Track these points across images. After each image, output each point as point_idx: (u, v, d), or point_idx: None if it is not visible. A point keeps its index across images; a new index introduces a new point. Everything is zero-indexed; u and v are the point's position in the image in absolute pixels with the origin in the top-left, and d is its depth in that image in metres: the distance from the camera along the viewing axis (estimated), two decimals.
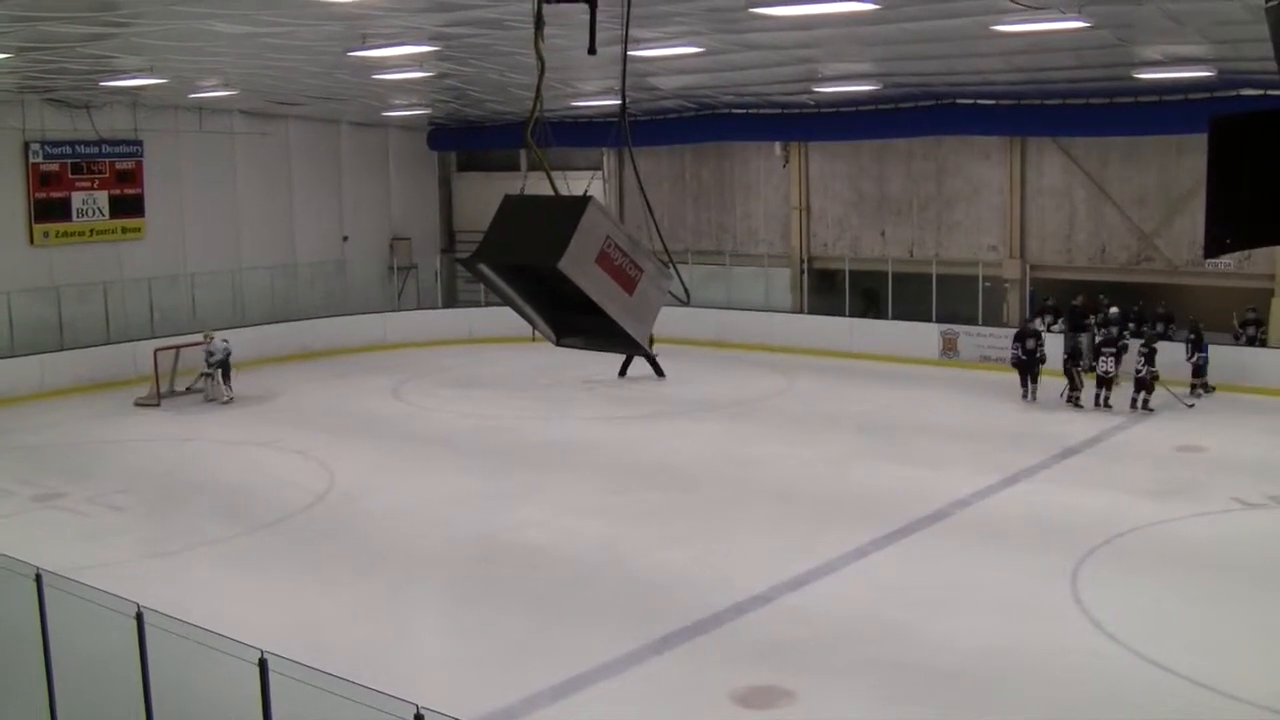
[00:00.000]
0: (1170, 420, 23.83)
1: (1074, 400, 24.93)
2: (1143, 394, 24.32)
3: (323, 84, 27.45)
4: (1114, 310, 28.07)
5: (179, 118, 32.11)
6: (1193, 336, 25.82)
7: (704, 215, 35.84)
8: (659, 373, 28.71)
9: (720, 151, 35.10)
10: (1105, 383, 24.69)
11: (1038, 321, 28.72)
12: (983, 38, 19.49)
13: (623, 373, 28.95)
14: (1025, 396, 25.64)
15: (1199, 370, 25.73)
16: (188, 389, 27.35)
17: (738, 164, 35.15)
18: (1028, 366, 25.65)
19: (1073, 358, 25.23)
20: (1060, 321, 28.89)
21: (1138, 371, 24.42)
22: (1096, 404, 24.61)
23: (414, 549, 16.95)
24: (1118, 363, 24.56)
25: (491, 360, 31.79)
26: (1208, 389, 25.71)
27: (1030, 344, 25.66)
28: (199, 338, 27.65)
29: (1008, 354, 26.57)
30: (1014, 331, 26.69)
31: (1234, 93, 24.19)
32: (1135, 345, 24.99)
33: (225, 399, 27.01)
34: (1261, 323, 26.68)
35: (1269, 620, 13.74)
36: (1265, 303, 27.01)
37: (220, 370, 27.06)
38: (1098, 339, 25.52)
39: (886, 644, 13.06)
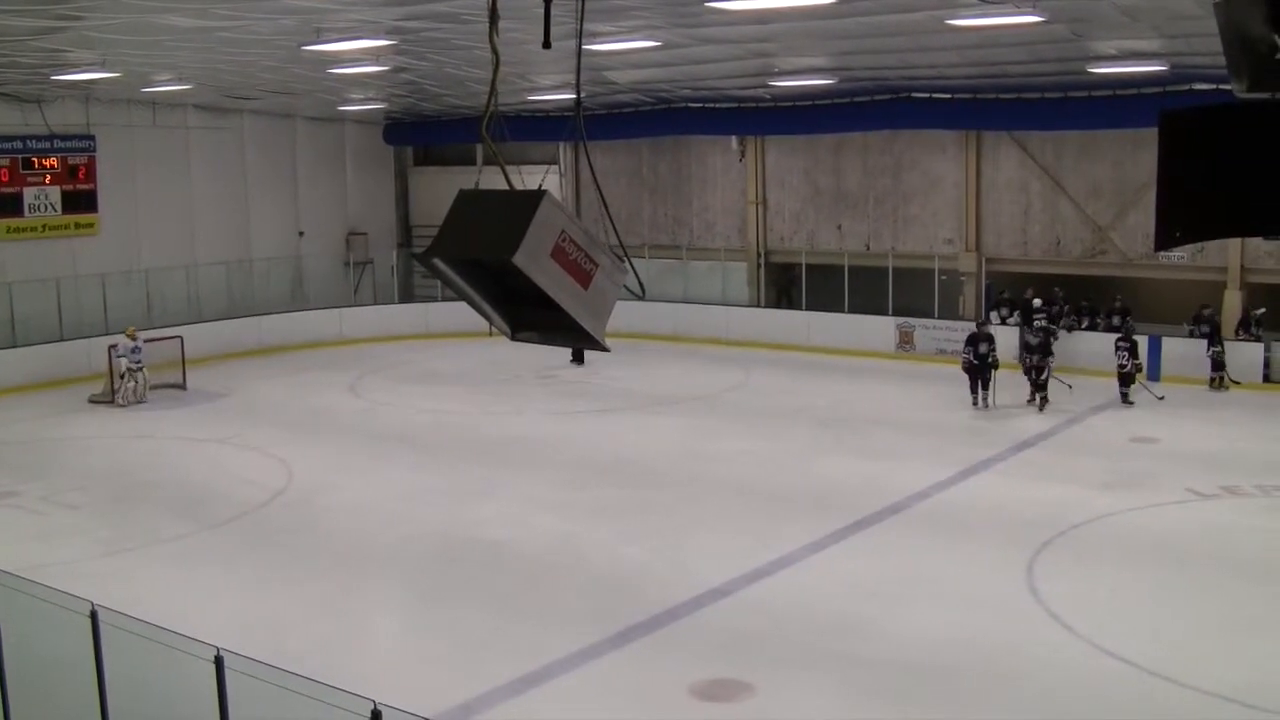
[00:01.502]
0: (1124, 413, 24.05)
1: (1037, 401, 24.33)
2: (1124, 387, 24.54)
3: (278, 78, 27.27)
4: (1036, 301, 28.31)
5: (132, 112, 31.81)
6: (1207, 330, 26.06)
7: (661, 209, 35.87)
8: (579, 359, 29.22)
9: (677, 145, 35.15)
10: (1036, 384, 24.15)
11: (993, 316, 28.90)
12: (938, 32, 19.57)
13: (578, 360, 29.14)
14: (976, 404, 24.41)
15: (1218, 364, 25.77)
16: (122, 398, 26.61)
17: (694, 158, 35.20)
18: (979, 371, 24.37)
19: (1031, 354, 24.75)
20: (1016, 315, 29.06)
21: (1122, 366, 24.58)
22: (1036, 405, 24.16)
23: (372, 545, 16.88)
24: (1043, 357, 24.18)
25: (448, 355, 31.71)
26: (1222, 382, 25.75)
27: (983, 348, 24.35)
28: (121, 337, 27.01)
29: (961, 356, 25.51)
30: (970, 326, 26.44)
31: (1186, 87, 24.38)
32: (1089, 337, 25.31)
33: (144, 399, 26.75)
34: (1215, 317, 26.87)
35: (1223, 610, 13.88)
36: (1218, 296, 27.28)
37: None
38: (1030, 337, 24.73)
39: (845, 636, 13.11)
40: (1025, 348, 24.78)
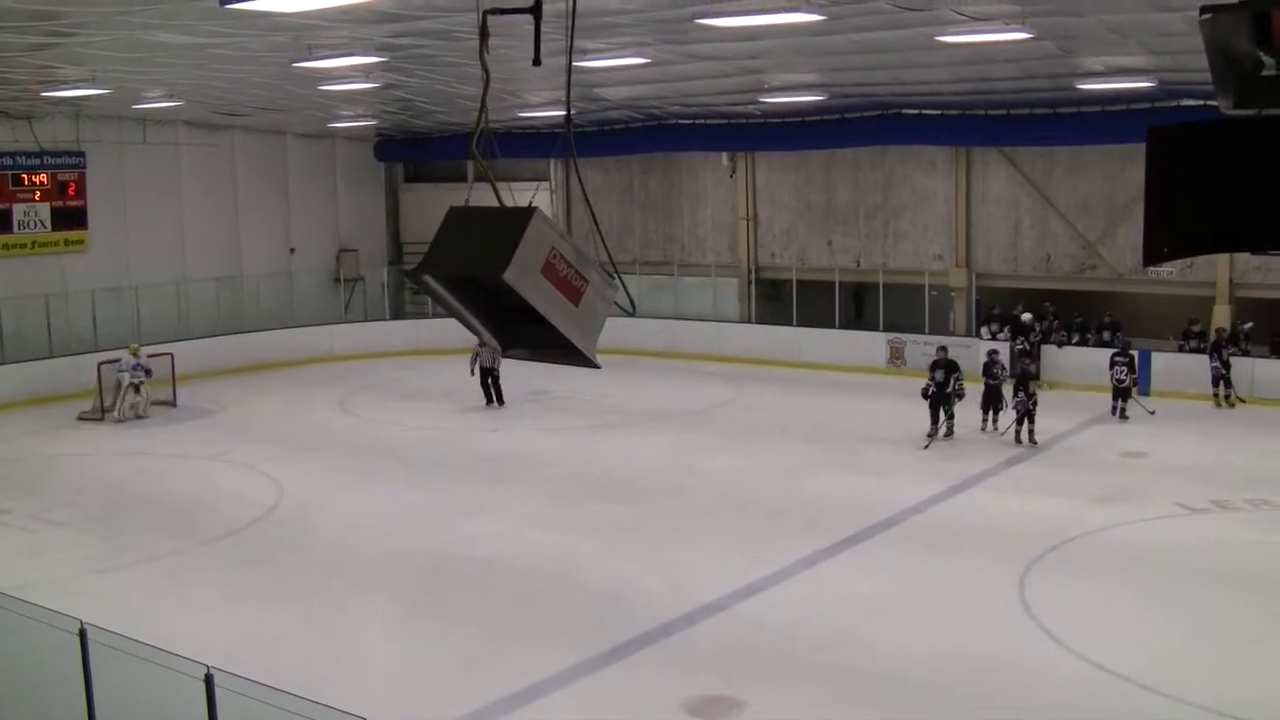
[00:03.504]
0: (1114, 427, 24.08)
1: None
2: (1120, 402, 24.51)
3: (269, 95, 27.29)
4: (1026, 316, 28.36)
5: (123, 129, 31.81)
6: (1202, 345, 26.04)
7: (651, 226, 35.91)
8: (495, 399, 27.37)
9: (667, 162, 35.20)
10: (997, 410, 23.21)
11: (983, 331, 28.93)
12: (928, 48, 19.63)
13: (497, 400, 27.35)
14: (933, 435, 22.81)
15: (1226, 379, 25.63)
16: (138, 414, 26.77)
17: (685, 174, 35.25)
18: (939, 401, 22.90)
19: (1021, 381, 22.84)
20: (1006, 330, 29.09)
21: (1120, 381, 24.55)
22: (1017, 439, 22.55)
23: (363, 562, 16.85)
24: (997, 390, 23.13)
25: (439, 372, 31.62)
26: (1229, 400, 25.66)
27: (939, 375, 22.92)
28: (123, 353, 27.13)
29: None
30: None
31: (1175, 103, 24.48)
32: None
33: (146, 414, 26.83)
34: (1204, 333, 26.95)
35: (1214, 623, 13.88)
36: (1207, 311, 27.36)
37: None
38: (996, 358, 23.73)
39: (837, 652, 13.10)
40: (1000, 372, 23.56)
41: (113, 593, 15.40)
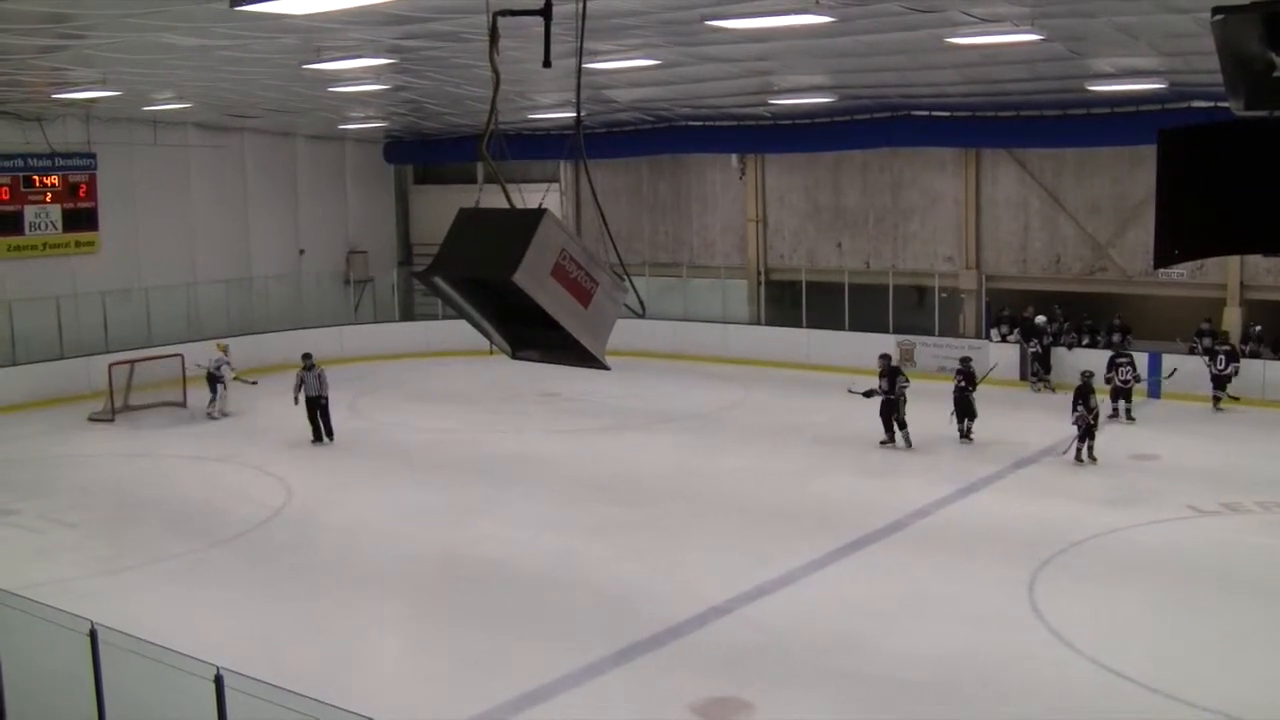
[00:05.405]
0: (1124, 429, 24.01)
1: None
2: (1121, 403, 24.44)
3: (278, 97, 27.32)
4: (1040, 318, 28.29)
5: (133, 130, 31.86)
6: (1226, 348, 25.90)
7: (661, 227, 35.91)
8: (324, 433, 24.56)
9: (677, 164, 35.20)
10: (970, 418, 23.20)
11: (993, 334, 28.83)
12: (937, 50, 19.62)
13: (326, 434, 24.41)
14: (885, 444, 22.79)
15: (1223, 383, 25.52)
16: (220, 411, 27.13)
17: (694, 176, 35.25)
18: (889, 410, 22.76)
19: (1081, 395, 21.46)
20: (1016, 332, 29.04)
21: (1125, 382, 24.49)
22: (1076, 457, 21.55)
23: (371, 563, 16.86)
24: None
25: (448, 374, 31.70)
26: (1220, 400, 25.56)
27: (884, 384, 22.82)
28: (212, 348, 27.77)
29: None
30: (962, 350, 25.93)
31: (1185, 104, 24.43)
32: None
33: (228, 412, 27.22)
34: (1216, 334, 26.85)
35: (1224, 626, 13.86)
36: (1218, 312, 27.29)
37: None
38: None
39: (845, 654, 13.08)
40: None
41: (121, 593, 15.43)
